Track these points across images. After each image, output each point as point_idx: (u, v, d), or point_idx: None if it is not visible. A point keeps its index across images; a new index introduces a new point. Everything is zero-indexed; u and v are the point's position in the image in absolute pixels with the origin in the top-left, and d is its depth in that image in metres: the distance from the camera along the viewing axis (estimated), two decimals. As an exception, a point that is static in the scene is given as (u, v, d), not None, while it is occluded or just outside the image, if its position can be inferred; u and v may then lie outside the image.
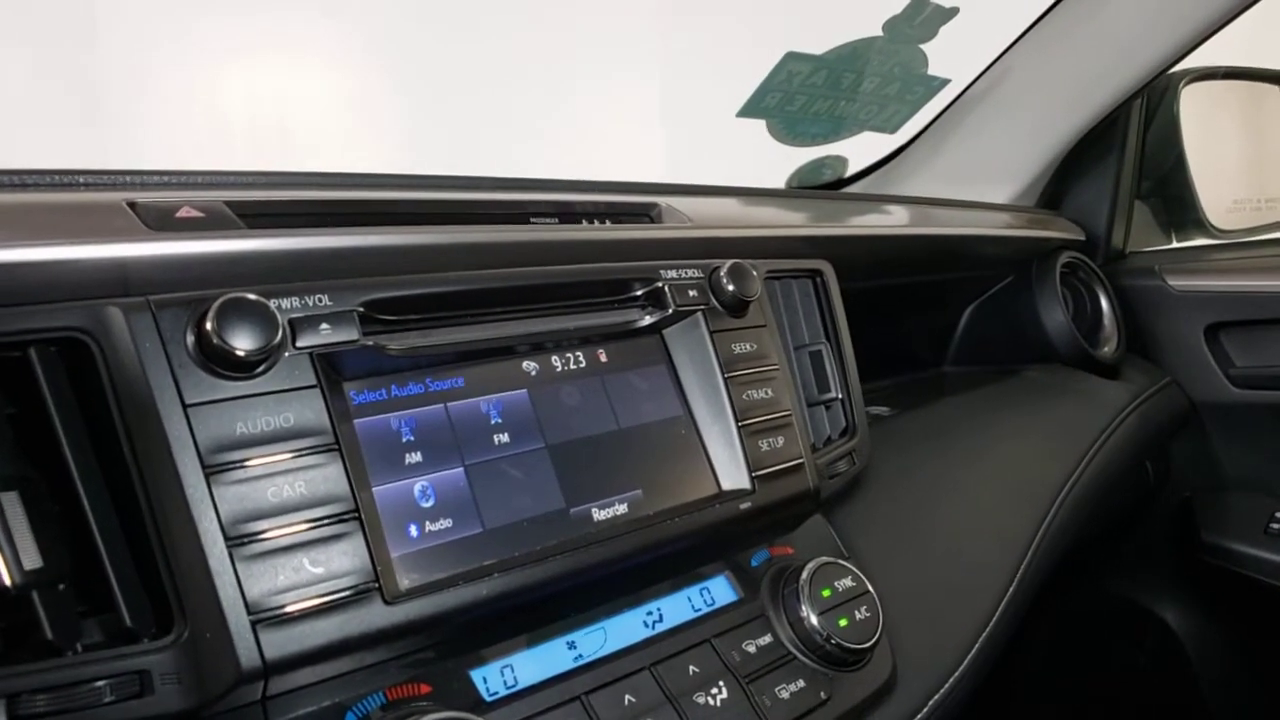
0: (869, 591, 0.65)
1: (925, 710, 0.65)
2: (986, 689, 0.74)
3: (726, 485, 0.65)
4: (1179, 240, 1.65)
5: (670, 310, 0.66)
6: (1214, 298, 1.37)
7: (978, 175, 1.37)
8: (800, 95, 1.36)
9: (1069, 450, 1.04)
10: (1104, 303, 1.38)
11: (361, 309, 0.53)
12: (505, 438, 0.58)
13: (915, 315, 1.29)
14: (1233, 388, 1.35)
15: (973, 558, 0.81)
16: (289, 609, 0.45)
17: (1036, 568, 0.86)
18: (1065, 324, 1.27)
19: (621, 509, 0.60)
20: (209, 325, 0.46)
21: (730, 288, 0.69)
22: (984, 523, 0.86)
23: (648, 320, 0.67)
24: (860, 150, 1.52)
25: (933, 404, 1.09)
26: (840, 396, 0.80)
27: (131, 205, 0.53)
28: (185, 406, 0.46)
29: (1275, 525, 1.31)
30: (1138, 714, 1.46)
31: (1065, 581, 1.30)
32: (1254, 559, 1.31)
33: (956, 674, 0.69)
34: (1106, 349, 1.32)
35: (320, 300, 0.51)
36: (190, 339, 0.47)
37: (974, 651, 0.72)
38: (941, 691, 0.67)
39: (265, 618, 0.45)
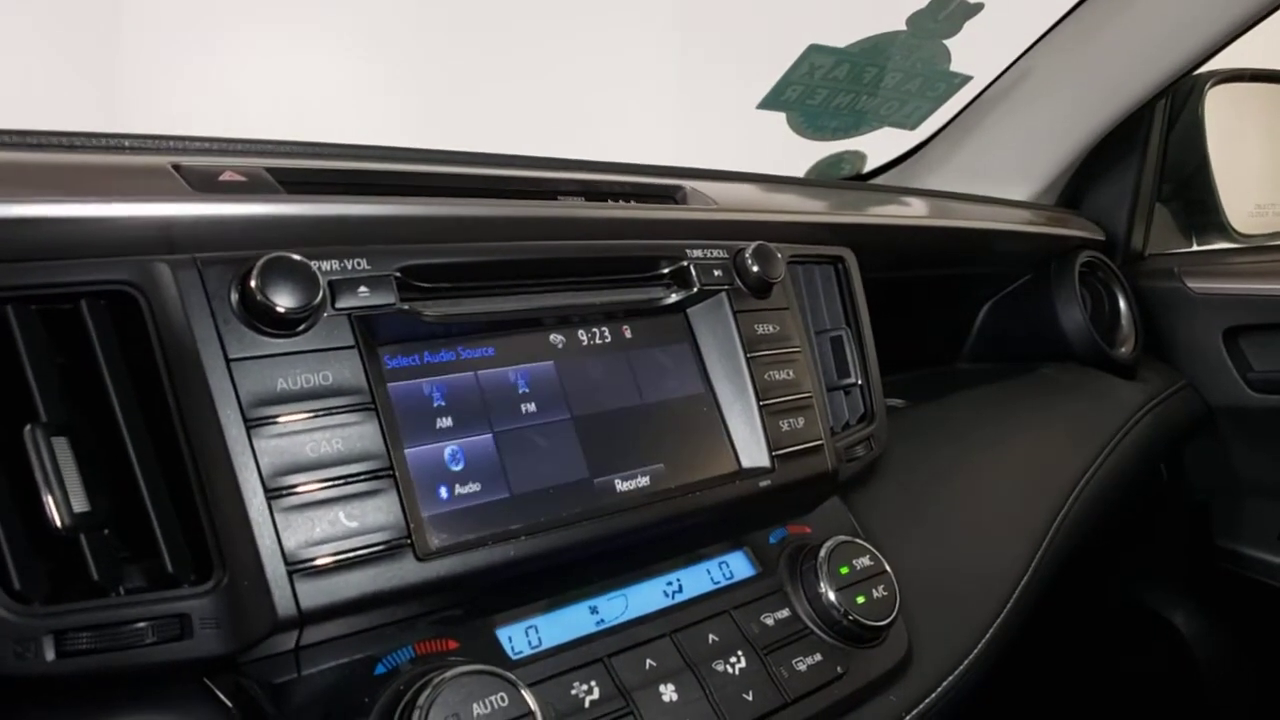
0: (886, 571, 0.66)
1: (939, 690, 0.66)
2: (994, 686, 0.74)
3: (746, 463, 0.66)
4: (1199, 244, 1.65)
5: (695, 289, 0.67)
6: (1233, 301, 1.37)
7: (998, 173, 1.37)
8: (822, 89, 1.37)
9: (1084, 447, 1.04)
10: (1122, 303, 1.38)
11: (399, 274, 0.54)
12: (532, 407, 0.59)
13: (932, 310, 1.30)
14: (1250, 392, 1.35)
15: (988, 546, 0.82)
16: (324, 560, 0.47)
17: (1051, 560, 0.86)
18: (1083, 323, 1.27)
19: (644, 481, 0.61)
20: (253, 283, 0.48)
21: (755, 269, 0.69)
22: (1000, 513, 0.87)
23: (673, 298, 0.67)
24: (879, 146, 1.53)
25: (948, 397, 1.09)
26: (860, 382, 0.80)
27: (176, 168, 0.55)
28: (228, 361, 0.47)
29: (1289, 531, 1.31)
30: (1144, 717, 1.46)
31: (1075, 583, 1.31)
32: (1266, 564, 1.31)
33: (970, 657, 0.70)
34: (1124, 349, 1.32)
35: (359, 264, 0.53)
36: (234, 296, 0.48)
37: (988, 637, 0.73)
38: (956, 673, 0.68)
39: (302, 568, 0.46)
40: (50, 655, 0.42)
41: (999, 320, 1.33)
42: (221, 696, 0.46)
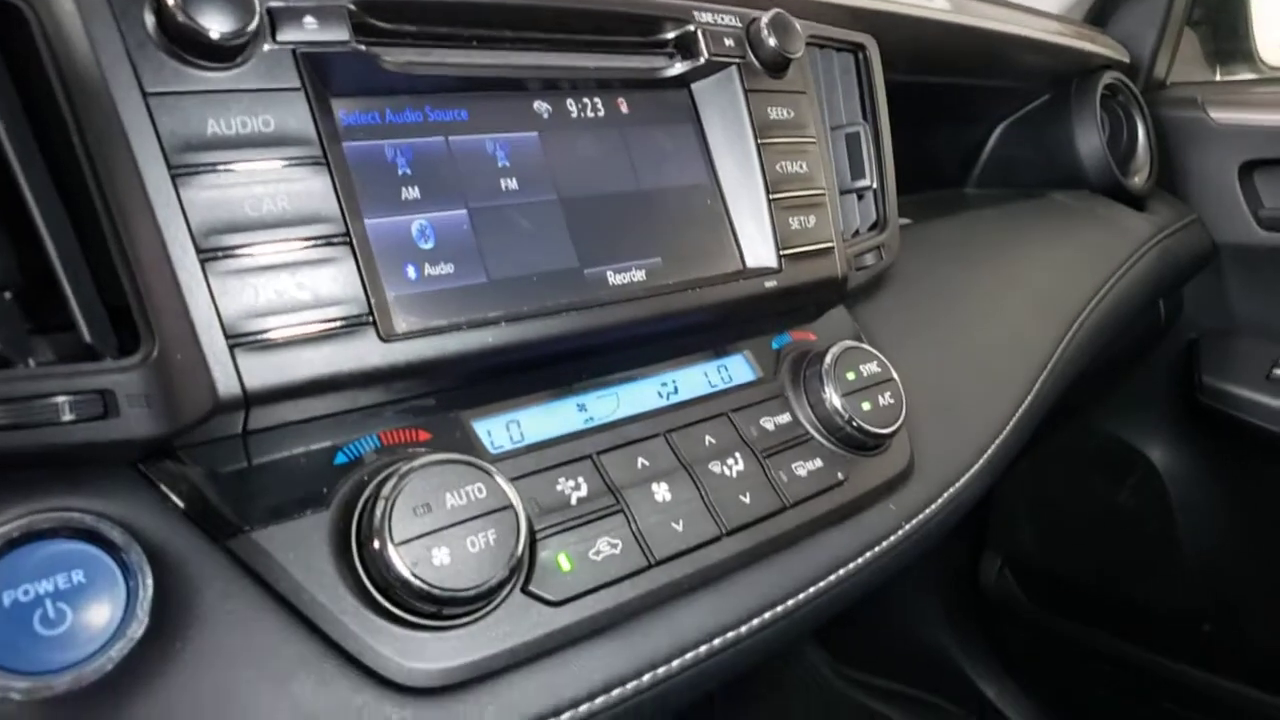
0: (893, 378, 0.61)
1: (939, 503, 0.63)
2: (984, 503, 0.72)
3: (751, 262, 0.60)
4: (1223, 74, 1.55)
5: (702, 60, 0.59)
6: (1255, 133, 1.30)
7: (1025, -19, 1.25)
8: None
9: (1091, 274, 1.00)
10: (1140, 131, 1.30)
11: (353, 7, 0.45)
12: (513, 183, 0.52)
13: (945, 127, 1.21)
14: (1259, 229, 1.30)
15: (993, 364, 0.78)
16: (272, 335, 0.40)
17: (1053, 383, 0.83)
18: (1100, 149, 1.20)
19: (639, 275, 0.55)
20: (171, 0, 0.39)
21: (771, 42, 0.60)
22: (1006, 333, 0.82)
23: (677, 69, 0.59)
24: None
25: (957, 217, 1.03)
26: (874, 186, 0.73)
27: None
28: (145, 95, 0.39)
29: (1279, 371, 1.29)
30: (1111, 544, 1.50)
31: (1057, 416, 1.30)
32: (1250, 403, 1.30)
33: (971, 472, 0.67)
34: (1137, 179, 1.26)
35: (305, -11, 0.43)
36: (149, 17, 0.39)
37: (989, 453, 0.69)
38: (956, 486, 0.65)
39: (245, 342, 0.39)
40: (-52, 430, 0.36)
41: (1012, 143, 1.25)
42: (159, 483, 0.41)
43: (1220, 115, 1.33)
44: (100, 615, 0.36)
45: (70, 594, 0.36)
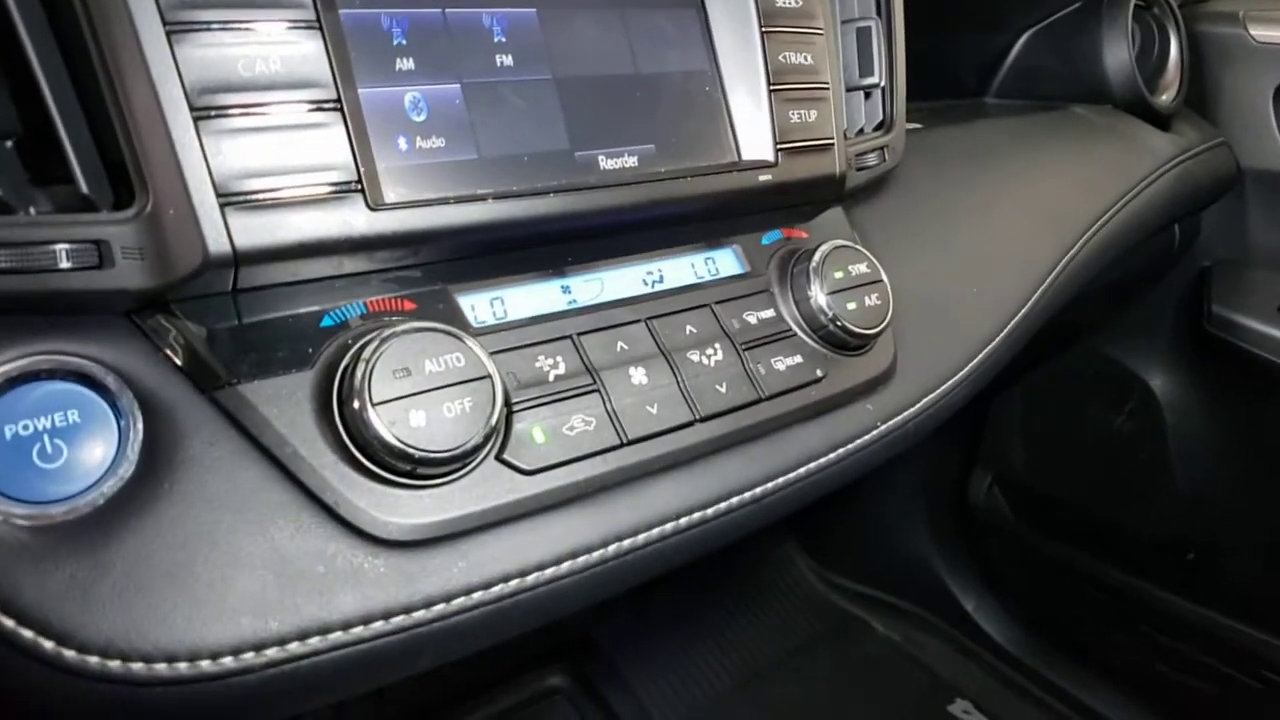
0: (882, 280, 0.62)
1: (917, 407, 0.64)
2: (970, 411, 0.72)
3: (747, 154, 0.60)
4: (1273, -11, 1.48)
5: (710, -60, 0.57)
6: (1296, 53, 1.25)
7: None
8: None
9: (1105, 191, 0.98)
10: (1173, 46, 1.26)
11: None
12: (508, 60, 0.52)
13: (967, 33, 1.17)
14: (1288, 155, 1.27)
15: (990, 274, 0.78)
16: (262, 196, 0.41)
17: (1051, 299, 0.83)
18: (1127, 63, 1.16)
19: (631, 161, 0.55)
20: None
21: (782, -75, 0.59)
22: (1007, 244, 0.82)
23: (682, -51, 0.57)
24: None
25: (970, 125, 1.01)
26: (882, 84, 0.72)
27: None
28: (138, -49, 0.39)
29: (1291, 304, 1.28)
30: (1103, 468, 1.51)
31: (1058, 336, 1.29)
32: (1260, 335, 1.29)
33: (954, 379, 0.68)
34: (1164, 97, 1.22)
35: None
36: None
37: (975, 362, 0.70)
38: (937, 392, 0.66)
39: (235, 201, 0.40)
40: (-51, 271, 0.37)
41: (1037, 52, 1.21)
42: (150, 335, 0.42)
43: (1262, 33, 1.27)
44: (93, 453, 0.39)
45: (66, 431, 0.39)
